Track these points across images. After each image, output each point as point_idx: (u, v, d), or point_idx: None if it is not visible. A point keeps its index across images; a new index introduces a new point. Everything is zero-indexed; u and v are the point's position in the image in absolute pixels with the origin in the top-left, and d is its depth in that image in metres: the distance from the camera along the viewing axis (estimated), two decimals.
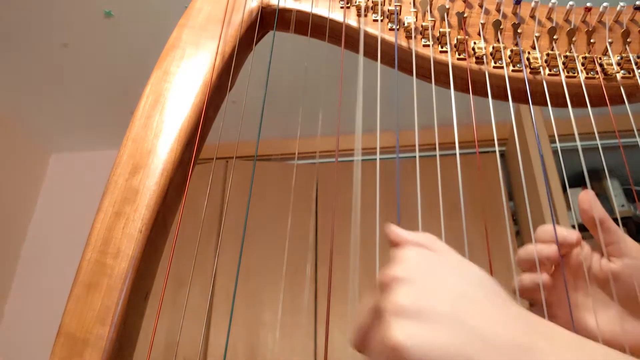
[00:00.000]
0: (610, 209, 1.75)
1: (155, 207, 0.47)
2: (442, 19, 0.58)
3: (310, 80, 1.80)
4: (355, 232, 0.46)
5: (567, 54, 0.56)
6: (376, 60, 0.55)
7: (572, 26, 0.58)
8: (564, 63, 0.56)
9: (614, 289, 0.44)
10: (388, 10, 0.58)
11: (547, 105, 0.55)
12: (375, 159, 0.50)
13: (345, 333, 1.34)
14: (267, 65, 0.57)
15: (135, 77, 1.42)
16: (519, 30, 0.57)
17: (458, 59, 0.56)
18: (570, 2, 0.58)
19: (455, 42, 0.57)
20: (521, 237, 1.82)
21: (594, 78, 0.55)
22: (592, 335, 0.43)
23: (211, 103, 0.54)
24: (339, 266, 0.56)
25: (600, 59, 0.56)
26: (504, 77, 0.55)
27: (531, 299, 0.48)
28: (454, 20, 0.58)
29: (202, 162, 0.59)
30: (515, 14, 0.59)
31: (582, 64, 0.56)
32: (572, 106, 0.53)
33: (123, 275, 0.43)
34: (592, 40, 0.56)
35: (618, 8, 0.58)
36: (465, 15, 0.58)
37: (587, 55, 0.56)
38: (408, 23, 0.58)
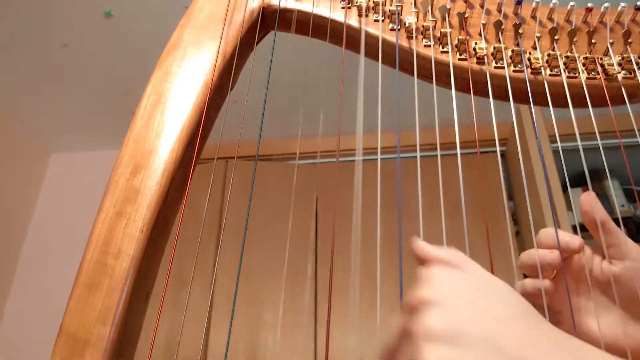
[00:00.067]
0: (610, 209, 1.75)
1: (157, 207, 0.47)
2: (443, 19, 0.58)
3: (311, 81, 1.79)
4: (356, 232, 0.46)
5: (568, 54, 0.56)
6: (377, 60, 0.55)
7: (573, 26, 0.58)
8: (565, 63, 0.56)
9: (615, 292, 0.44)
10: (389, 10, 0.58)
11: (548, 105, 0.55)
12: (376, 159, 0.50)
13: (345, 333, 1.34)
14: (268, 65, 0.57)
15: (135, 77, 1.43)
16: (520, 31, 0.57)
17: (459, 59, 0.56)
18: (571, 3, 0.58)
19: (456, 42, 0.57)
20: (521, 237, 1.82)
21: (595, 78, 0.55)
22: (594, 340, 0.43)
23: (212, 103, 0.54)
24: (339, 266, 0.56)
25: (601, 59, 0.56)
26: (505, 77, 0.55)
27: (533, 304, 0.48)
28: (455, 21, 0.58)
29: (203, 162, 0.59)
30: (516, 14, 0.59)
31: (583, 65, 0.56)
32: (573, 106, 0.53)
33: (124, 275, 0.43)
34: (593, 41, 0.56)
35: (619, 8, 0.58)
36: (466, 15, 0.58)
37: (588, 55, 0.56)
38: (409, 23, 0.58)
